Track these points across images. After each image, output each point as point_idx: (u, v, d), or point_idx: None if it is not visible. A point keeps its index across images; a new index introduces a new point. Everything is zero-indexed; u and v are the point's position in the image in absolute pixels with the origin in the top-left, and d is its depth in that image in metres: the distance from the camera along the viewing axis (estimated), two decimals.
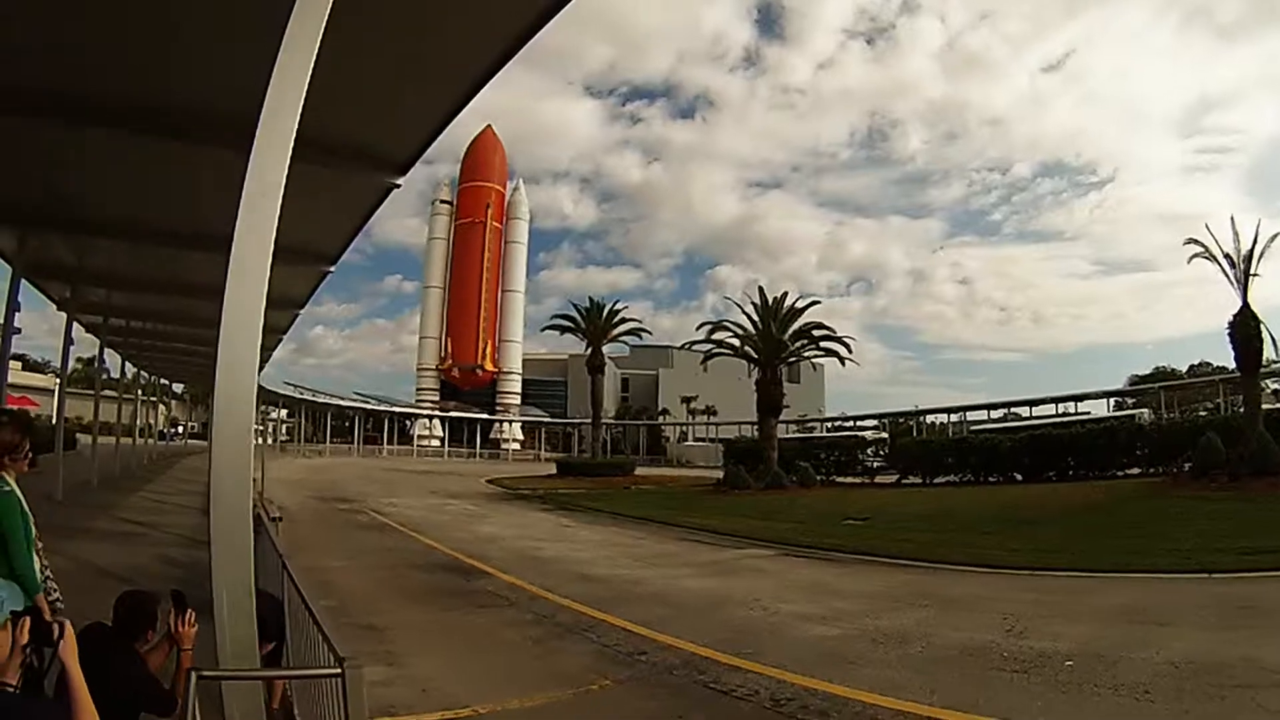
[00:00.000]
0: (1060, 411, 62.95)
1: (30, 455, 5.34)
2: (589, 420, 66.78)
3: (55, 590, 5.26)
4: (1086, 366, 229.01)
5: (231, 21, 7.79)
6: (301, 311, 25.23)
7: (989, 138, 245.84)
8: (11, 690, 2.69)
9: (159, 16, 8.86)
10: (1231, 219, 31.32)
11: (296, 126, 4.60)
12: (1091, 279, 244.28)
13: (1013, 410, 72.07)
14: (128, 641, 4.28)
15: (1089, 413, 59.25)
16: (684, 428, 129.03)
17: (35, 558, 4.95)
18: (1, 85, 10.51)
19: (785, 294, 45.08)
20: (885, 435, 63.36)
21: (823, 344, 45.21)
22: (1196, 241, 32.00)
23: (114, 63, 10.07)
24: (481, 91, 10.03)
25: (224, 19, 8.32)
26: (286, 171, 4.58)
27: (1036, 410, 67.36)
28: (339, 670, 3.62)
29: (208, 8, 8.45)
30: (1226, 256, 30.96)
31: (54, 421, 29.26)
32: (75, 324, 25.36)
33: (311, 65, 4.65)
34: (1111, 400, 65.96)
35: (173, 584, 5.48)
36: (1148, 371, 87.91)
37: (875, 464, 48.93)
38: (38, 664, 3.00)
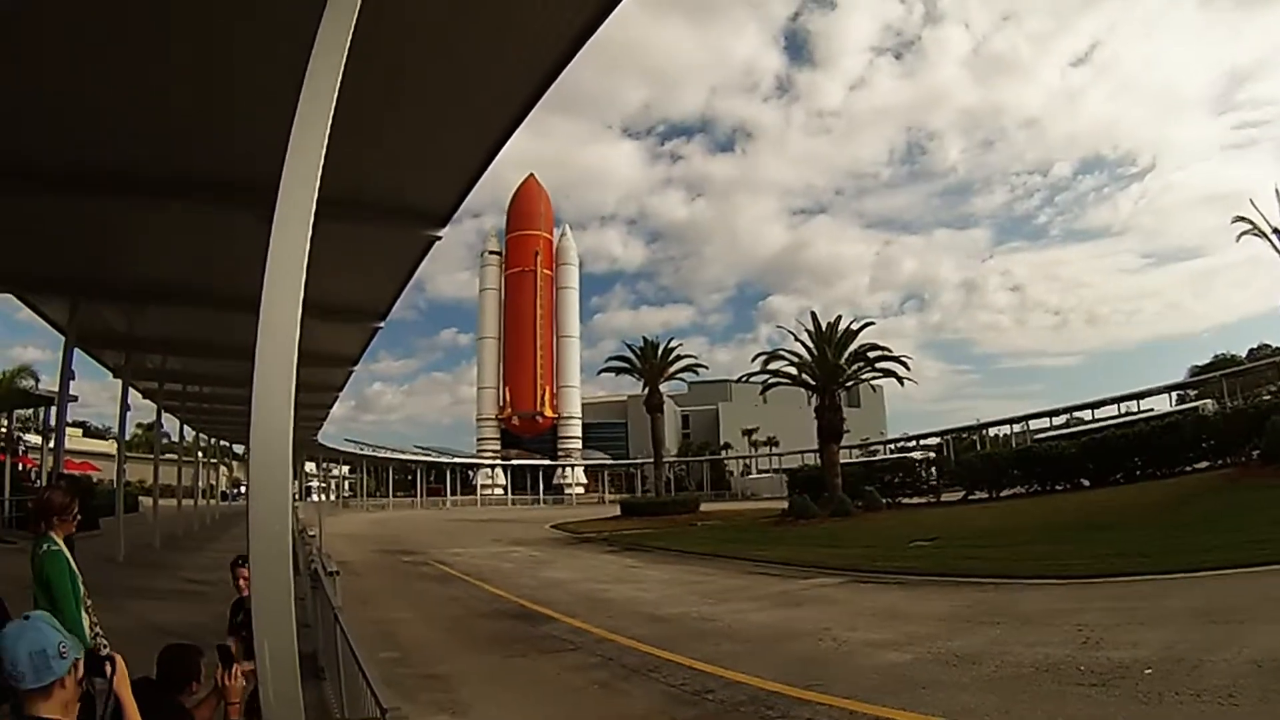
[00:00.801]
0: (1123, 411, 61.66)
1: (78, 517, 5.43)
2: (651, 460, 66.66)
3: (105, 646, 5.33)
4: (1146, 362, 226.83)
5: (262, 90, 7.88)
6: (355, 368, 25.51)
7: (1026, 140, 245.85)
8: None
9: (194, 91, 9.06)
10: (1277, 191, 30.83)
11: (318, 184, 4.60)
12: (1142, 272, 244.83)
13: (1075, 415, 70.62)
14: (173, 695, 4.28)
15: (1152, 409, 58.01)
16: (746, 460, 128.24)
17: (85, 615, 5.01)
18: (49, 164, 10.78)
19: (839, 318, 44.70)
20: (933, 454, 62.50)
21: (879, 365, 44.67)
22: (1244, 219, 31.59)
23: (157, 137, 10.30)
24: (517, 140, 10.10)
25: (254, 88, 8.44)
26: (311, 229, 4.56)
27: (1099, 412, 66.03)
28: None
29: (239, 78, 8.62)
30: (1276, 231, 30.46)
31: (114, 486, 29.90)
32: (132, 390, 25.86)
33: (329, 121, 4.65)
34: (1174, 394, 64.33)
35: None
36: (1208, 361, 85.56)
37: (938, 482, 47.88)
38: (92, 692, 3.21)
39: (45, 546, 5.10)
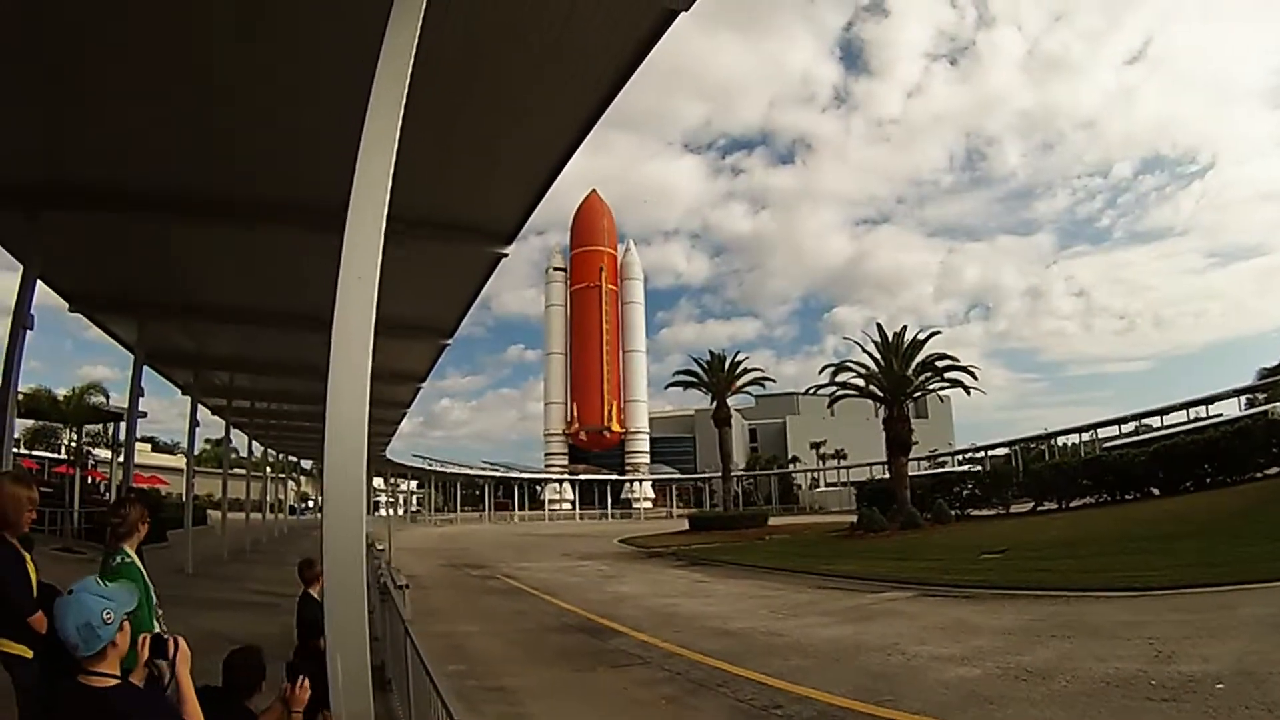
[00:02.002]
0: (1192, 417, 59.96)
1: (148, 525, 5.62)
2: (719, 474, 66.36)
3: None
4: (1214, 365, 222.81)
5: (326, 116, 8.05)
6: (423, 385, 25.77)
7: (1085, 141, 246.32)
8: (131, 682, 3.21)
9: (263, 115, 9.29)
10: None
11: (387, 204, 4.70)
12: (1207, 272, 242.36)
13: (1143, 422, 68.75)
14: (240, 699, 4.38)
15: (1220, 414, 56.30)
16: (814, 474, 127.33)
17: (156, 624, 5.15)
18: (118, 187, 11.07)
19: (904, 328, 44.19)
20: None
21: (947, 375, 43.93)
22: None
23: (226, 160, 10.55)
24: (579, 157, 10.22)
25: (321, 112, 8.63)
26: (381, 247, 4.67)
27: (1168, 418, 64.17)
28: None
29: (306, 102, 8.81)
30: None
31: (183, 499, 30.60)
32: (201, 407, 26.34)
33: (395, 143, 4.76)
34: (1243, 398, 62.46)
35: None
36: (1277, 362, 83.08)
37: (991, 495, 46.87)
38: (157, 675, 3.49)
39: (119, 559, 5.26)
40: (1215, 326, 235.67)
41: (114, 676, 3.04)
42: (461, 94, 8.54)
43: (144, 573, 5.29)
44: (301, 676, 4.52)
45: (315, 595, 7.45)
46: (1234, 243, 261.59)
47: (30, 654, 4.62)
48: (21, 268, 12.05)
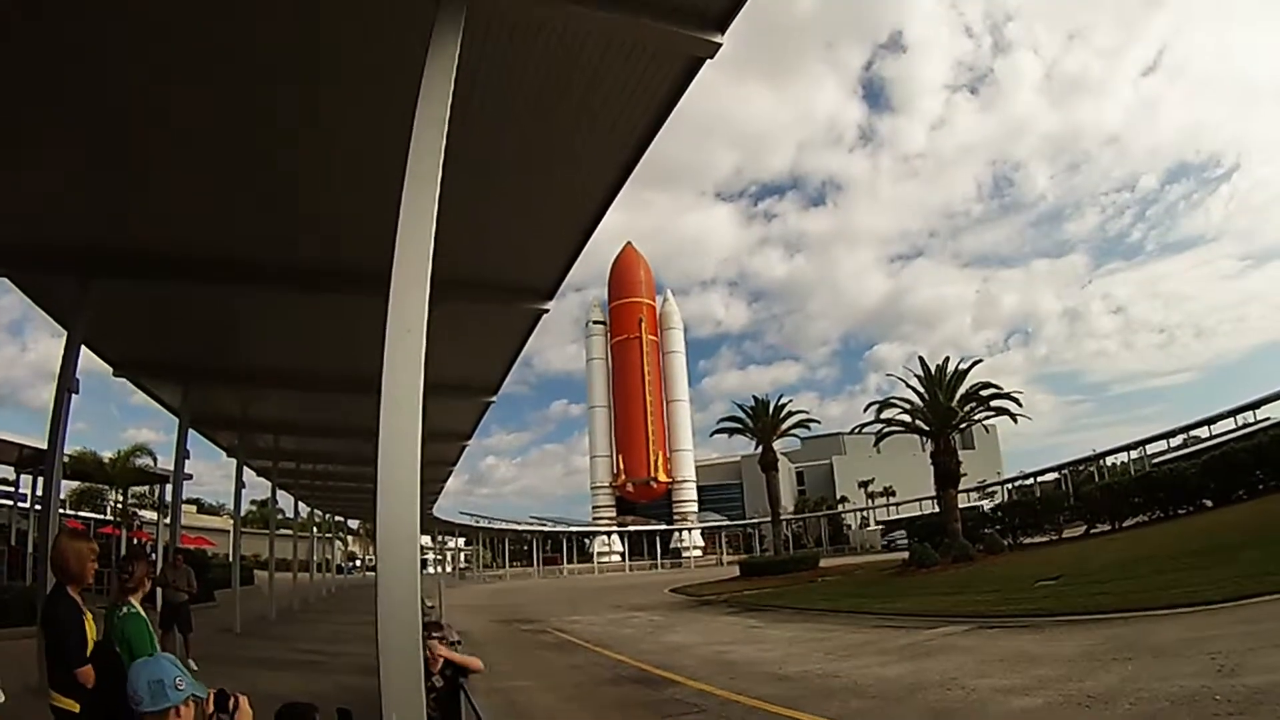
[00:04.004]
0: (1240, 423, 58.79)
1: (152, 581, 5.99)
2: (768, 519, 65.97)
3: None
4: (1260, 368, 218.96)
5: (370, 183, 8.22)
6: (468, 443, 25.91)
7: (1110, 158, 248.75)
8: None
9: (307, 182, 9.51)
10: None
11: (430, 267, 4.82)
12: (1243, 276, 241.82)
13: (1192, 434, 67.23)
14: None
15: (1269, 418, 55.03)
16: (864, 513, 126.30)
17: None
18: (163, 254, 11.33)
19: (946, 360, 44.06)
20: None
21: (992, 404, 43.52)
22: None
23: (273, 226, 10.82)
24: (617, 215, 10.37)
25: (362, 180, 8.83)
26: (427, 309, 4.77)
27: (1216, 427, 62.76)
28: None
29: (348, 174, 9.02)
30: None
31: (229, 560, 30.98)
32: (246, 469, 26.59)
33: (434, 209, 4.90)
34: None
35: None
36: None
37: (1064, 519, 46.40)
38: None
39: (124, 610, 5.54)
40: (1257, 330, 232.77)
41: None
42: (497, 156, 8.72)
43: (149, 624, 5.49)
44: None
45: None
46: (1268, 243, 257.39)
47: (77, 708, 4.80)
48: (66, 334, 12.31)
